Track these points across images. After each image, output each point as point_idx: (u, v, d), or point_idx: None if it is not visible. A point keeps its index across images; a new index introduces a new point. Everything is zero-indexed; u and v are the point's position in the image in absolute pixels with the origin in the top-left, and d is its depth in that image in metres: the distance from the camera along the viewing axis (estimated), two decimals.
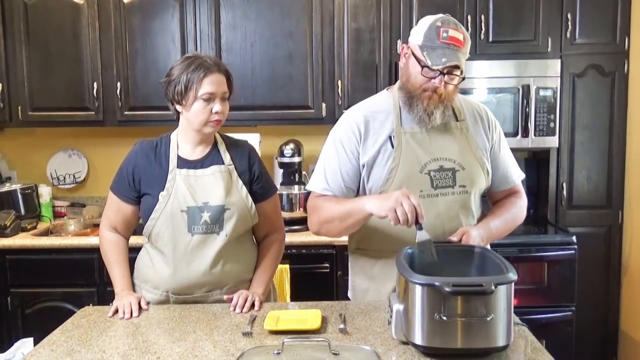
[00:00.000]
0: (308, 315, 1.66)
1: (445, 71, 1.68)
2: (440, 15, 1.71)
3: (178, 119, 1.88)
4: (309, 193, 1.80)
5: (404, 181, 1.74)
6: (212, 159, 1.89)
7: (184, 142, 1.89)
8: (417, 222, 1.57)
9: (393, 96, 1.83)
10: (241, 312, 1.75)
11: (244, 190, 1.88)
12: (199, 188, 1.84)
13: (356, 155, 1.79)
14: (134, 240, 2.00)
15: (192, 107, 1.79)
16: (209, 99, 1.78)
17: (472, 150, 1.81)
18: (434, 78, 1.69)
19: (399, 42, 3.17)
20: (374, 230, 1.81)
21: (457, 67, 1.68)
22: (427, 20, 1.70)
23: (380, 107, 1.84)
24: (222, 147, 1.91)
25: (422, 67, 1.69)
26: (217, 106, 1.79)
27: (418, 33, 1.71)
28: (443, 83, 1.69)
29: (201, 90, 1.77)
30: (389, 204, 1.57)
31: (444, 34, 1.65)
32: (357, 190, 1.83)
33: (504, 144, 1.91)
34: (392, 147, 1.77)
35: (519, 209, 1.90)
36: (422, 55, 1.68)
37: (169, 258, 1.85)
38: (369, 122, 1.81)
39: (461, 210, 1.79)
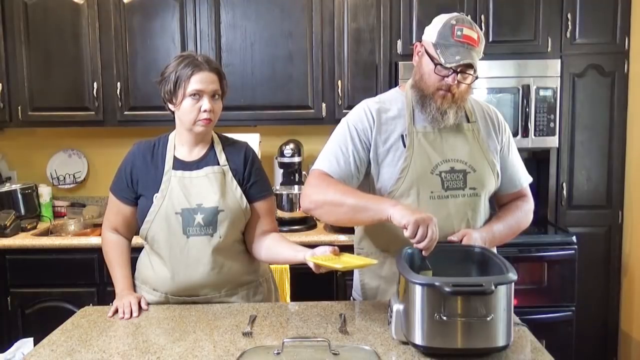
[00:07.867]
0: (350, 257, 1.71)
1: (458, 70, 1.66)
2: (455, 14, 1.70)
3: (175, 119, 1.87)
4: None
5: (414, 181, 1.73)
6: (207, 160, 1.86)
7: (180, 143, 1.88)
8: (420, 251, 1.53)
9: (406, 95, 1.82)
10: None
11: (239, 191, 1.86)
12: (194, 190, 1.82)
13: (368, 145, 1.77)
14: (136, 240, 1.99)
15: (182, 105, 1.78)
16: (198, 96, 1.76)
17: (483, 152, 1.81)
18: (447, 76, 1.68)
19: (399, 42, 3.17)
20: (380, 230, 1.80)
21: (470, 66, 1.66)
22: (442, 19, 1.69)
23: (392, 105, 1.82)
24: (218, 148, 1.89)
25: (436, 65, 1.67)
26: (205, 104, 1.76)
27: (432, 31, 1.70)
28: (456, 82, 1.68)
29: (189, 87, 1.75)
30: (415, 216, 1.50)
31: (458, 32, 1.64)
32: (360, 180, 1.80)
33: (512, 147, 1.90)
34: (404, 146, 1.75)
35: (524, 213, 1.88)
36: (435, 53, 1.67)
37: (166, 261, 1.84)
38: (383, 117, 1.79)
39: (470, 212, 1.78)
